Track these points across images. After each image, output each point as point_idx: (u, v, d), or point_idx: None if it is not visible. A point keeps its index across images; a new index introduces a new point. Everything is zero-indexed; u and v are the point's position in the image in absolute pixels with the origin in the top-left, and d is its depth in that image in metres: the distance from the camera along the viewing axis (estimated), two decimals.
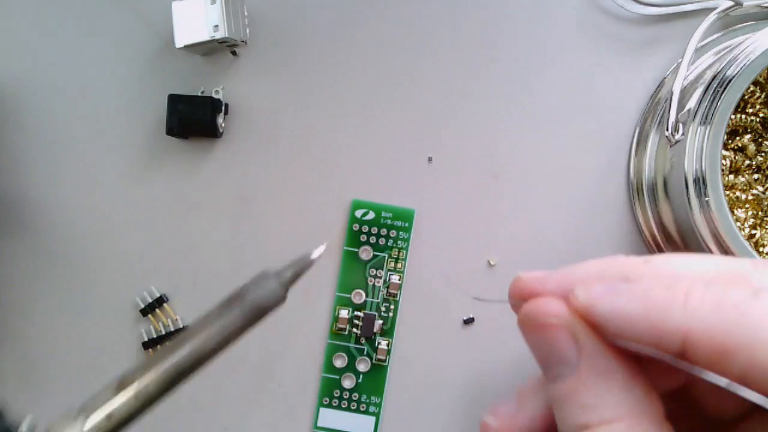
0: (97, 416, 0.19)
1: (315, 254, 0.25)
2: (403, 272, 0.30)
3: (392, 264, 0.30)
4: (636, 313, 0.19)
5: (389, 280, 0.30)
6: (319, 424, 0.30)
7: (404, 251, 0.30)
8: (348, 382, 0.30)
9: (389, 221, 0.30)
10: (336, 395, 0.30)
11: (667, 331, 0.18)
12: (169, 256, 0.31)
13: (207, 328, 0.22)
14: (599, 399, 0.19)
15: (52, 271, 0.31)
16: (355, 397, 0.30)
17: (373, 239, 0.30)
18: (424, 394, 0.30)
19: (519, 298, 0.21)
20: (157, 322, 0.30)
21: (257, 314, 0.22)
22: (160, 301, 0.30)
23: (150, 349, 0.30)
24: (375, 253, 0.30)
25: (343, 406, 0.30)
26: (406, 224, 0.30)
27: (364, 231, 0.30)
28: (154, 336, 0.30)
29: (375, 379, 0.30)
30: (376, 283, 0.30)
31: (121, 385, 0.20)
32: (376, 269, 0.30)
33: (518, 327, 0.22)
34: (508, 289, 0.22)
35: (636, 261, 0.20)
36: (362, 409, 0.30)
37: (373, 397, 0.30)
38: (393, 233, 0.30)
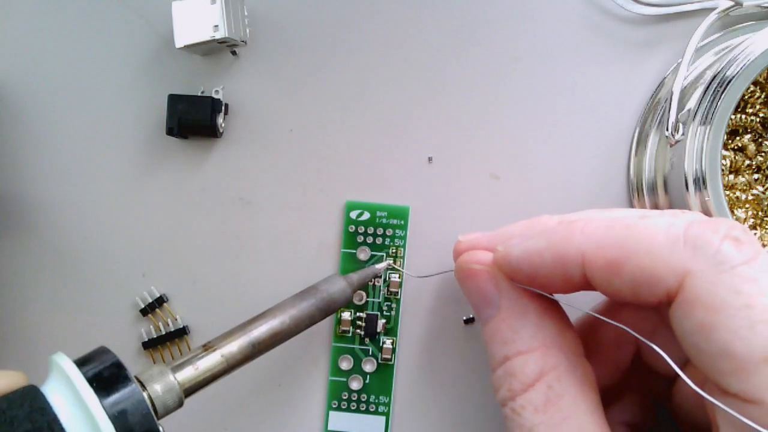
0: (188, 370, 0.22)
1: (380, 266, 0.29)
2: (402, 270, 0.30)
3: (391, 262, 0.30)
4: (542, 247, 0.22)
5: (389, 278, 0.30)
6: (330, 428, 0.30)
7: (402, 249, 0.30)
8: (356, 384, 0.30)
9: (384, 220, 0.30)
10: (344, 398, 0.30)
11: (568, 256, 0.21)
12: (169, 256, 0.31)
13: (285, 312, 0.25)
14: (516, 334, 0.22)
15: (51, 270, 0.31)
16: (364, 398, 0.30)
17: (369, 239, 0.30)
18: (433, 391, 0.30)
19: (458, 256, 0.25)
20: (157, 322, 0.30)
21: (328, 306, 0.26)
22: (160, 301, 0.30)
23: (150, 350, 0.30)
24: (373, 252, 0.30)
25: (353, 407, 0.30)
26: (402, 222, 0.30)
27: (360, 232, 0.30)
28: (154, 336, 0.30)
29: (382, 379, 0.30)
30: (376, 283, 0.30)
31: (207, 348, 0.23)
32: None
33: (456, 279, 0.25)
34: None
35: (553, 220, 0.24)
36: (372, 410, 0.30)
37: (381, 397, 0.30)
38: (389, 231, 0.30)
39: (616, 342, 0.25)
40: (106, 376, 0.19)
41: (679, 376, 0.24)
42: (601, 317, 0.22)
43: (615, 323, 0.21)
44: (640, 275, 0.19)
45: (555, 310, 0.23)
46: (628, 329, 0.21)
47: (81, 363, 0.20)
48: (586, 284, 0.21)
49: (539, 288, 0.22)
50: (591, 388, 0.22)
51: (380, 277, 0.30)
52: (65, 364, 0.19)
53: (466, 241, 0.25)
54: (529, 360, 0.22)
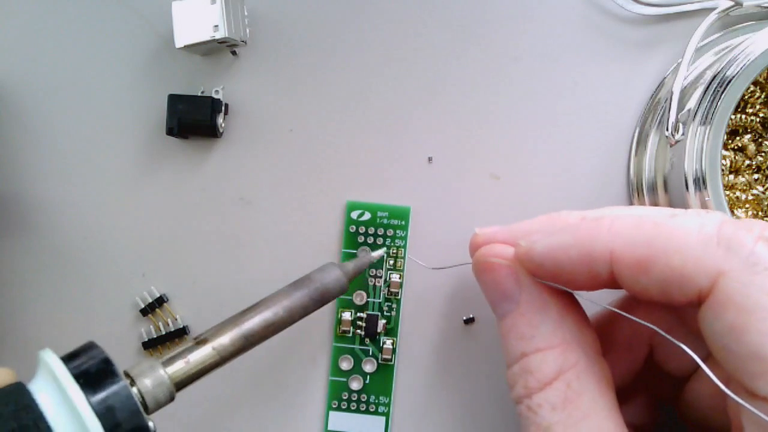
0: (179, 363, 0.22)
1: (375, 254, 0.28)
2: (402, 270, 0.30)
3: (391, 263, 0.30)
4: (568, 244, 0.21)
5: (389, 279, 0.30)
6: (330, 428, 0.30)
7: (402, 249, 0.30)
8: (356, 384, 0.30)
9: (385, 220, 0.30)
10: (344, 398, 0.30)
11: (596, 253, 0.20)
12: (169, 256, 0.31)
13: (278, 302, 0.24)
14: (535, 330, 0.22)
15: (51, 270, 0.31)
16: (364, 398, 0.30)
17: (370, 239, 0.30)
18: (433, 392, 0.30)
19: (475, 250, 0.25)
20: (157, 322, 0.30)
21: (322, 296, 0.25)
22: (160, 301, 0.30)
23: (150, 349, 0.30)
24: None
25: (353, 408, 0.30)
26: (403, 222, 0.30)
27: (361, 232, 0.30)
28: (154, 336, 0.30)
29: (382, 379, 0.30)
30: (376, 283, 0.30)
31: (199, 342, 0.22)
32: (376, 269, 0.30)
33: (473, 272, 0.25)
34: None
35: (574, 215, 0.23)
36: (371, 410, 0.30)
37: (381, 398, 0.30)
38: (390, 232, 0.30)
39: (630, 342, 0.24)
40: (93, 372, 0.19)
41: (691, 376, 0.24)
42: (624, 314, 0.22)
43: (639, 320, 0.21)
44: (670, 275, 0.19)
45: (574, 306, 0.23)
46: (655, 327, 0.20)
47: (68, 359, 0.19)
48: (612, 282, 0.20)
49: (561, 284, 0.22)
50: (609, 386, 0.21)
51: (381, 277, 0.30)
52: (51, 360, 0.19)
53: (484, 235, 0.25)
54: (548, 357, 0.21)
